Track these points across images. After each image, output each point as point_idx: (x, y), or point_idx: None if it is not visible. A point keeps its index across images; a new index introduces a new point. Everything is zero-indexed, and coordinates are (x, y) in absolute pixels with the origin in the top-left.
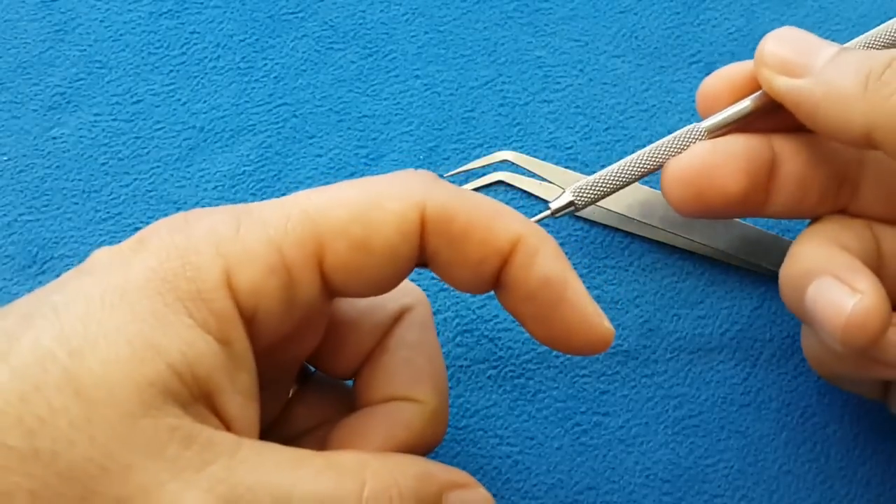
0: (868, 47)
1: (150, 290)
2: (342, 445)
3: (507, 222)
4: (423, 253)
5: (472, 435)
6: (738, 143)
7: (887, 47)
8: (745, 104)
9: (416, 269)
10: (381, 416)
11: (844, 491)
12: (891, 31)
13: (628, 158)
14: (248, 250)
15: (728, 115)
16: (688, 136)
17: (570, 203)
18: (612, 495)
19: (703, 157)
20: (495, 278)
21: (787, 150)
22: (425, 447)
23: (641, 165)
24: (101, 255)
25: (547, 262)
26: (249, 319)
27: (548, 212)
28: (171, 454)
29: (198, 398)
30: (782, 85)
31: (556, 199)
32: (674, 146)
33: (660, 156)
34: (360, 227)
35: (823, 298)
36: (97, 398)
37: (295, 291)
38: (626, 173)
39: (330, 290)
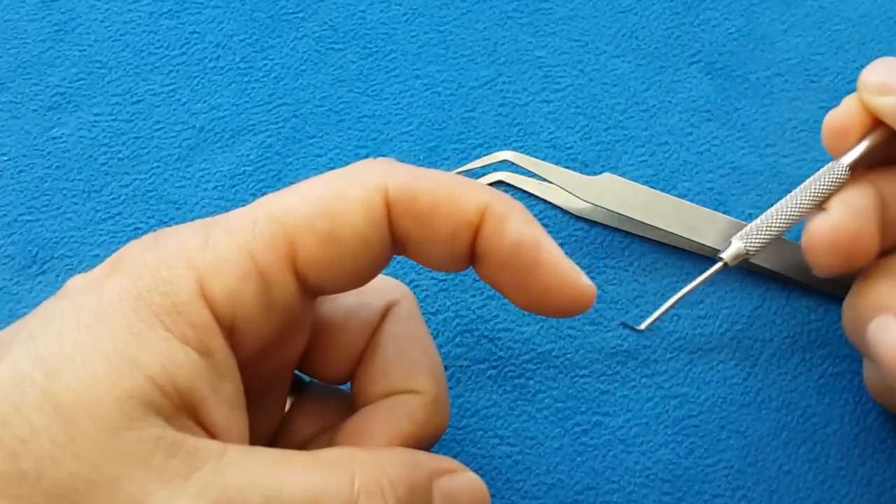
0: None
1: (125, 308)
2: (348, 445)
3: (471, 193)
4: (395, 238)
5: (472, 435)
6: (866, 199)
7: None
8: (874, 136)
9: (414, 272)
10: (382, 411)
11: (844, 491)
12: None
13: (783, 202)
14: (219, 259)
15: (863, 150)
16: (833, 174)
17: (746, 252)
18: (612, 495)
19: (846, 224)
20: (469, 251)
21: (889, 192)
22: (431, 437)
23: (799, 208)
24: (76, 282)
25: (517, 227)
26: (229, 328)
27: (721, 263)
28: (158, 463)
29: (181, 410)
30: (880, 103)
31: (728, 250)
32: (824, 186)
33: (813, 197)
34: (325, 219)
35: (882, 336)
36: (77, 414)
37: (271, 294)
38: (786, 217)
39: (308, 288)
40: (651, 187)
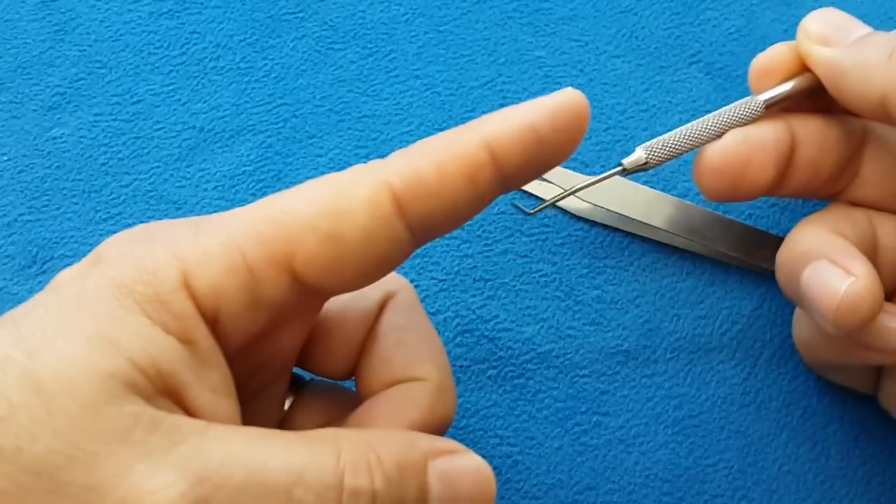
0: None
1: (107, 295)
2: None
3: (464, 137)
4: (416, 228)
5: (472, 435)
6: (768, 132)
7: None
8: (797, 81)
9: (414, 272)
10: (387, 400)
11: (844, 491)
12: None
13: (693, 124)
14: (206, 252)
15: (783, 91)
16: (747, 107)
17: (645, 161)
18: (612, 495)
19: (737, 148)
20: (497, 186)
21: (804, 134)
22: (438, 424)
23: (706, 131)
24: (63, 274)
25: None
26: (213, 319)
27: (619, 168)
28: (138, 438)
29: (162, 392)
30: (817, 53)
31: (629, 157)
32: (735, 116)
33: (722, 124)
34: (327, 218)
35: (818, 281)
36: (56, 391)
37: (258, 290)
38: (692, 137)
39: (308, 287)
40: (651, 187)
